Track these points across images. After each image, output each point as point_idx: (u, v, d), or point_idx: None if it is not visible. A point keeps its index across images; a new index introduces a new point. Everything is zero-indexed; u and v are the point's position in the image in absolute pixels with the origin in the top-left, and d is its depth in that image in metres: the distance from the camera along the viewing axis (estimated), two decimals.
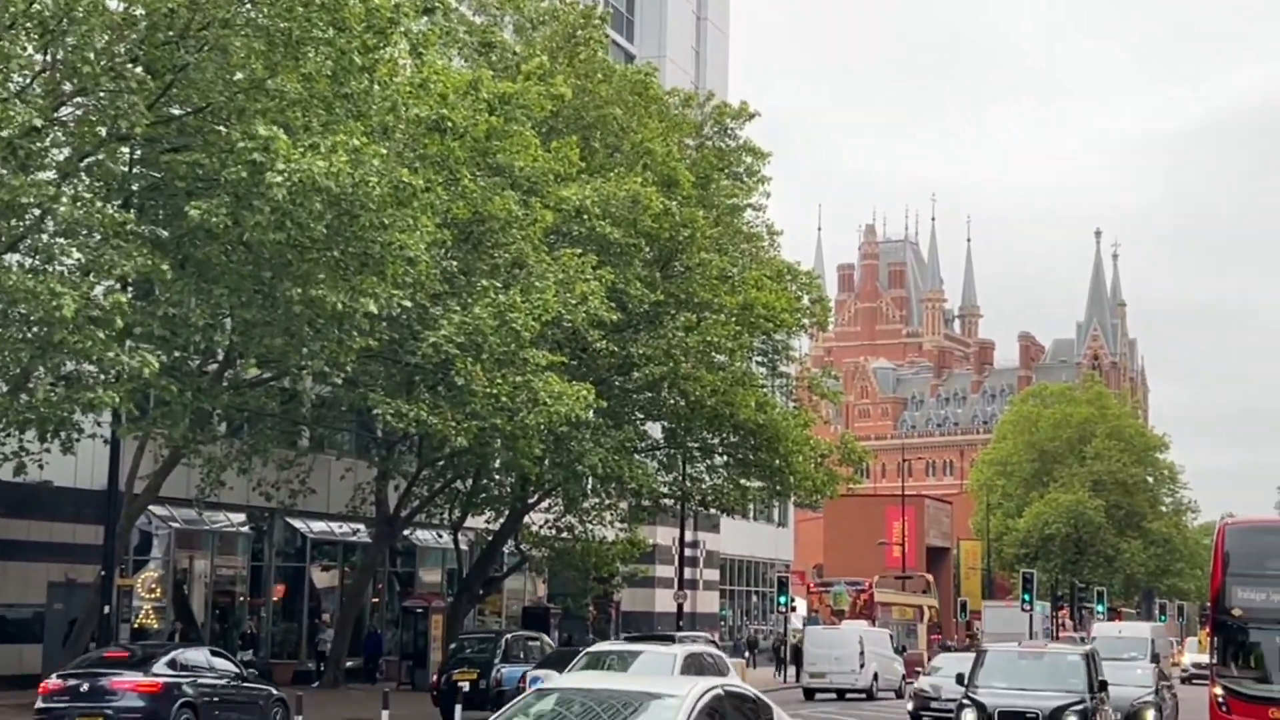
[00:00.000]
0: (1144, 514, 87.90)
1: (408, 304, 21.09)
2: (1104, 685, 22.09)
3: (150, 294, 19.57)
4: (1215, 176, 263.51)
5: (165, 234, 19.79)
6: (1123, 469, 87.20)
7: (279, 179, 17.43)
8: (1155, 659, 36.55)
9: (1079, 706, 20.48)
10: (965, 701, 20.22)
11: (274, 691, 21.51)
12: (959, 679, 21.36)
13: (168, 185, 19.64)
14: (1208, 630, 28.64)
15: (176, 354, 20.85)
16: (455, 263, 23.66)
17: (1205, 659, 51.09)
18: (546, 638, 29.80)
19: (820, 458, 34.13)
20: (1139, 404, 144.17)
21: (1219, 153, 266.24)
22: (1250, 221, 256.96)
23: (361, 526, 32.68)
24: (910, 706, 28.35)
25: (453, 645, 28.72)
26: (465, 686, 24.35)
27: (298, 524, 32.98)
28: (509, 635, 27.80)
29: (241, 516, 31.39)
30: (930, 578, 73.82)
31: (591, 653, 20.17)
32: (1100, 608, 67.37)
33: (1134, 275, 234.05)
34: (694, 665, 18.27)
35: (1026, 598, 54.84)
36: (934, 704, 26.93)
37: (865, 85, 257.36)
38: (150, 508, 26.54)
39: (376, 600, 35.95)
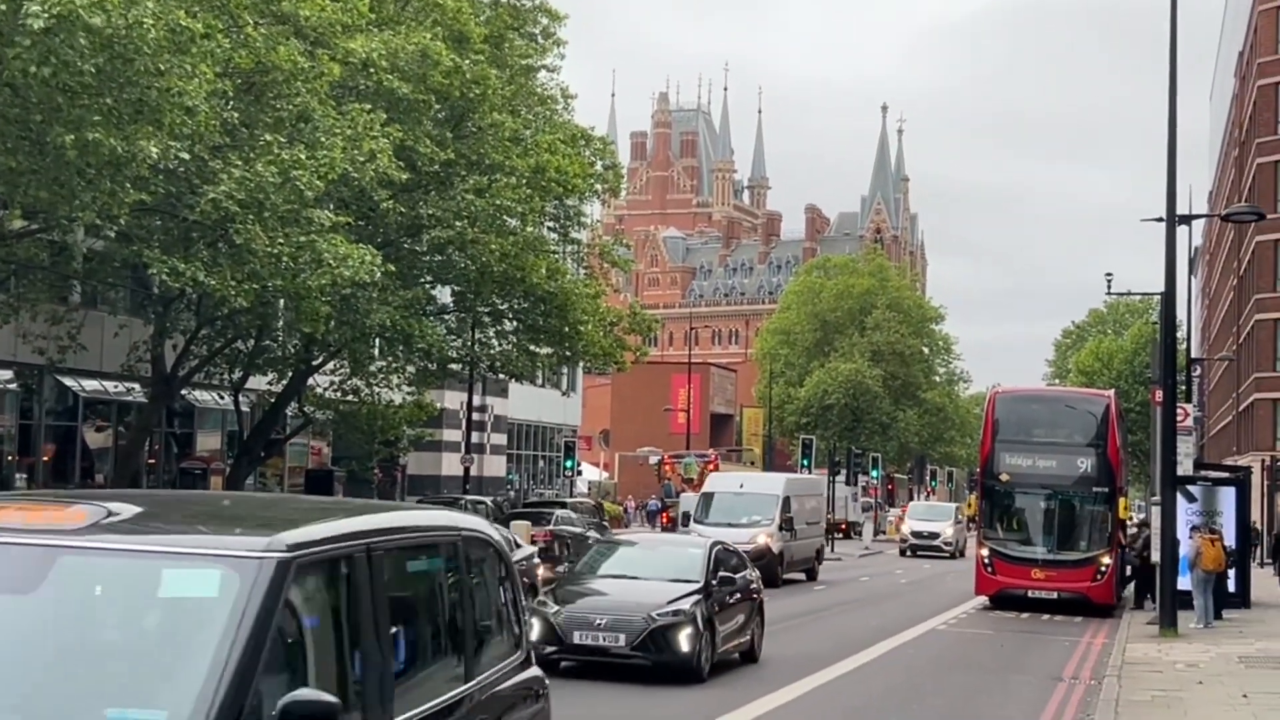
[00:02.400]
0: (919, 384, 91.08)
1: (185, 156, 20.23)
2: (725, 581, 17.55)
3: None
4: (1001, 68, 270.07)
5: None
6: (900, 340, 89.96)
7: (37, 7, 16.52)
8: (786, 527, 34.61)
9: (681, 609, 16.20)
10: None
11: None
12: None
13: None
14: (977, 495, 29.75)
15: None
16: (237, 114, 22.75)
17: (925, 527, 53.02)
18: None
19: (610, 325, 34.27)
20: (918, 277, 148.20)
21: (1007, 42, 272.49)
22: (1032, 111, 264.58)
23: (137, 386, 31.67)
24: None
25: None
26: None
27: (69, 382, 31.84)
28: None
29: (8, 374, 30.18)
30: (757, 451, 75.46)
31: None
32: (875, 473, 69.68)
33: (919, 158, 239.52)
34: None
35: (805, 463, 56.45)
36: None
37: None
38: None
39: (153, 461, 35.08)
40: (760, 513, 33.81)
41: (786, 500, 34.56)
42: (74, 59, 17.26)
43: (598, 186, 34.98)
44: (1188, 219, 29.84)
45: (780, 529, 33.62)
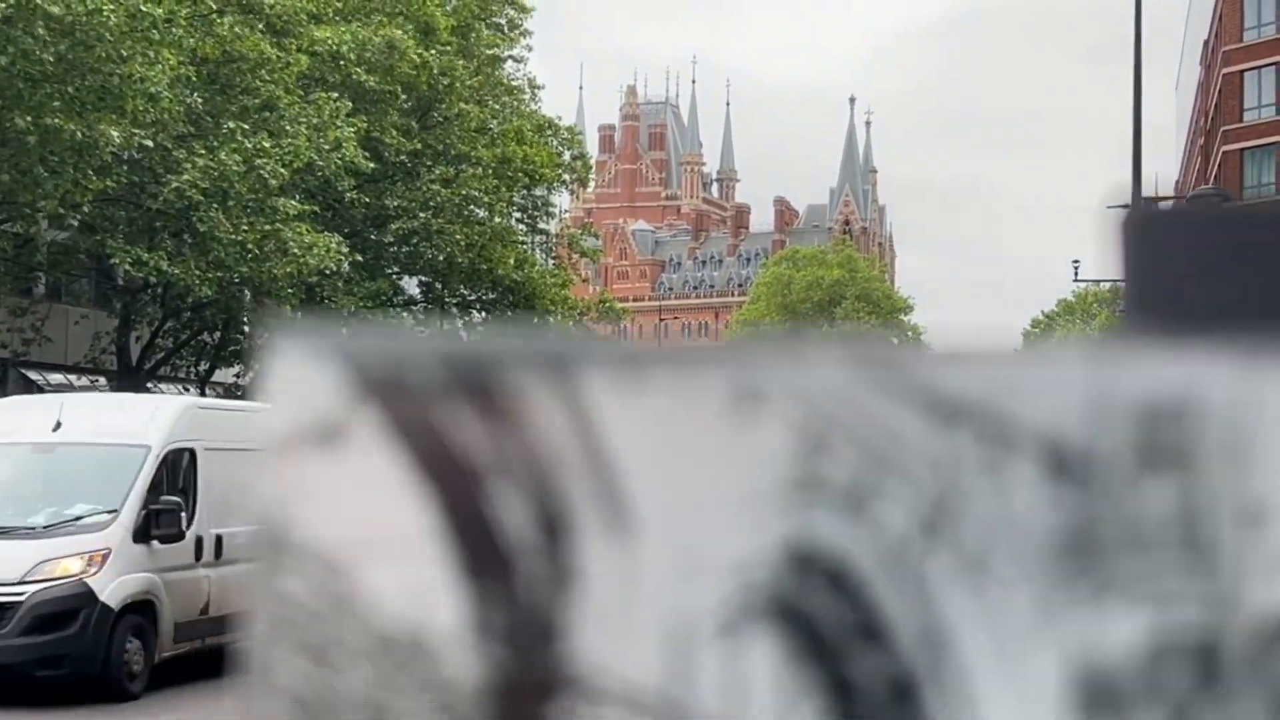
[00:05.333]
0: None
1: (149, 144, 20.03)
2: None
3: None
4: (966, 66, 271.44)
5: None
6: (870, 330, 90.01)
7: None
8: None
9: None
10: None
11: None
12: None
13: None
14: None
15: None
16: (201, 102, 22.53)
17: None
18: None
19: (579, 315, 34.20)
20: (886, 268, 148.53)
21: (971, 41, 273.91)
22: (997, 107, 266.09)
23: (102, 379, 31.35)
24: None
25: None
26: None
27: (33, 375, 31.49)
28: None
29: None
30: None
31: None
32: None
33: (887, 154, 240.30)
34: None
35: None
36: None
37: None
38: None
39: None
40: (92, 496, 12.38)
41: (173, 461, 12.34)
42: (34, 48, 17.05)
43: (565, 176, 34.88)
44: (1154, 200, 29.93)
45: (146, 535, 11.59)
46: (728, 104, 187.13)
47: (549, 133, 33.77)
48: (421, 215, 28.00)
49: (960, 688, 0.78)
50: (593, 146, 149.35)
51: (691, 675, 0.79)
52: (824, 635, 0.79)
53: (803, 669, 0.79)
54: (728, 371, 0.80)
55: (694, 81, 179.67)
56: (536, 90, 35.96)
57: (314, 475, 0.80)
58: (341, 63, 25.70)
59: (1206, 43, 66.29)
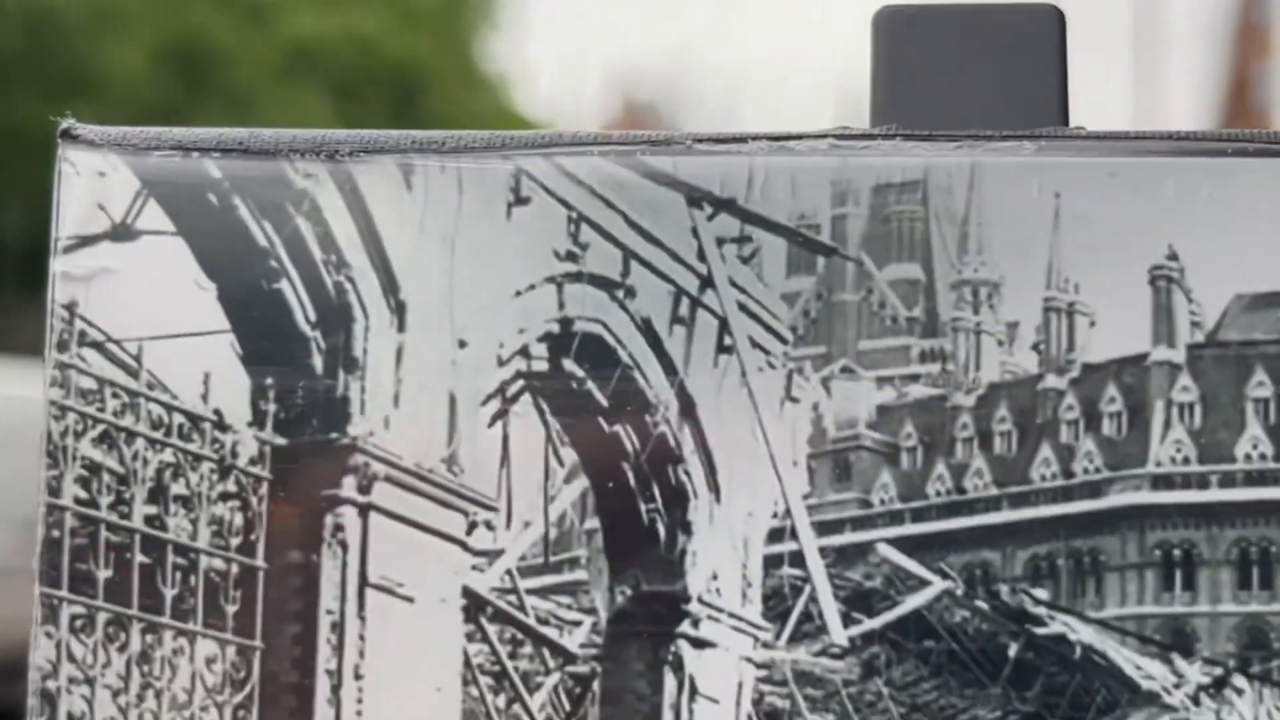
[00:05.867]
0: None
1: None
2: None
3: None
4: None
5: None
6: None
7: None
8: None
9: None
10: None
11: None
12: None
13: None
14: None
15: None
16: (176, 92, 22.51)
17: None
18: None
19: None
20: None
21: None
22: None
23: None
24: None
25: None
26: None
27: None
28: None
29: None
30: None
31: None
32: None
33: None
34: None
35: None
36: None
37: None
38: None
39: None
40: None
41: None
42: None
43: None
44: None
45: None
46: (721, 96, 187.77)
47: (525, 129, 33.82)
48: None
49: (706, 456, 0.82)
50: None
51: (462, 454, 0.83)
52: (586, 409, 0.83)
53: (563, 445, 0.83)
54: (498, 161, 0.84)
55: (686, 71, 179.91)
56: (523, 80, 36.07)
57: (102, 273, 0.84)
58: (321, 56, 25.65)
59: None
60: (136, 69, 19.21)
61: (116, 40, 18.79)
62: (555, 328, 0.83)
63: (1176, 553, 0.79)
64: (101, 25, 18.46)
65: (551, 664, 0.82)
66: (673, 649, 0.81)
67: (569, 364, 0.83)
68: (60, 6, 17.48)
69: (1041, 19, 0.86)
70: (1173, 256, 0.80)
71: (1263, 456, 0.78)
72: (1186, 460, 0.79)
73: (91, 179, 0.84)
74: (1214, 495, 0.79)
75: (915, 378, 0.81)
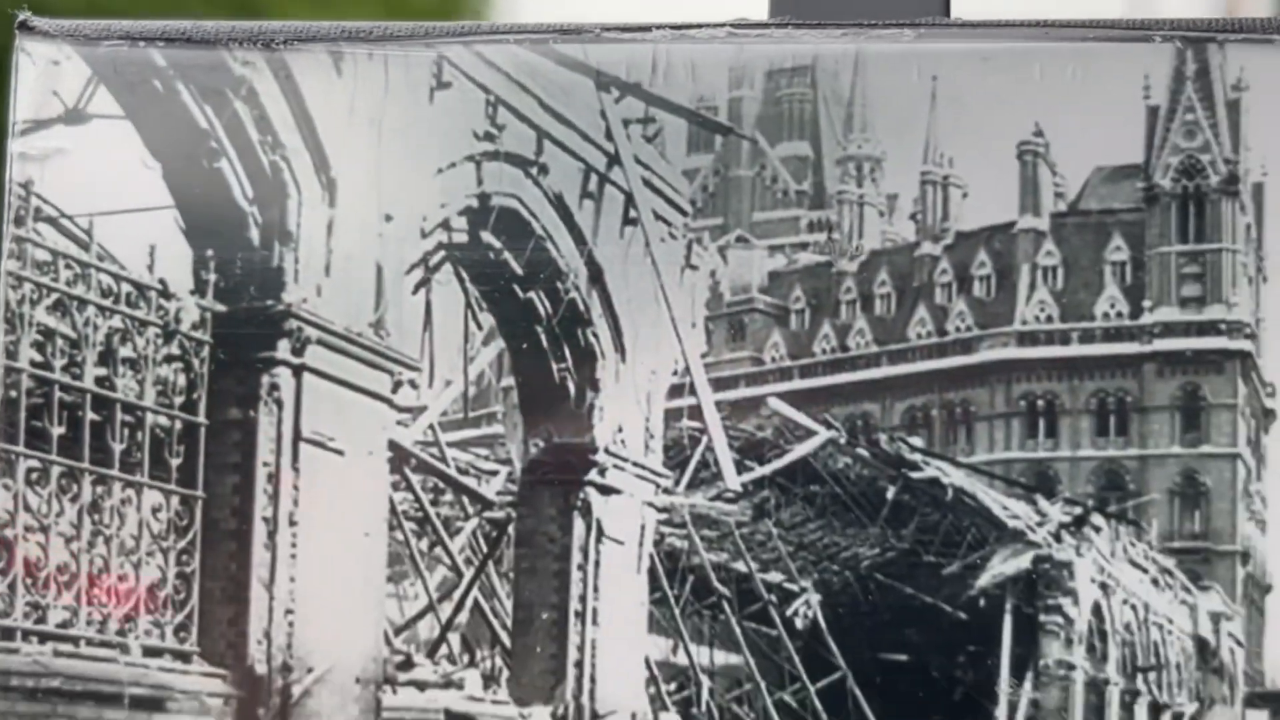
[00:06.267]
0: None
1: None
2: None
3: None
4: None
5: None
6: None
7: None
8: None
9: None
10: None
11: None
12: None
13: None
14: None
15: None
16: None
17: None
18: None
19: None
20: None
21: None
22: None
23: None
24: None
25: None
26: None
27: None
28: None
29: None
30: None
31: None
32: None
33: None
34: None
35: None
36: None
37: None
38: None
39: None
40: None
41: None
42: None
43: None
44: None
45: None
46: None
47: None
48: None
49: (612, 319, 0.89)
50: None
51: (388, 319, 0.90)
52: (502, 277, 0.90)
53: (481, 311, 0.90)
54: (421, 49, 0.90)
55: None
56: None
57: (56, 153, 0.91)
58: None
59: None
60: None
61: None
62: (474, 202, 0.90)
63: (1040, 403, 0.86)
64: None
65: (470, 510, 0.89)
66: (581, 495, 0.88)
67: (487, 236, 0.90)
68: (53, 2, 17.48)
69: None
70: (1039, 133, 0.87)
71: (1119, 315, 0.85)
72: (1050, 319, 0.86)
73: (46, 67, 0.91)
74: (1075, 350, 0.86)
75: (804, 246, 0.88)
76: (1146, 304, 0.85)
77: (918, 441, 0.85)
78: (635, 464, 0.87)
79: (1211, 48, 0.86)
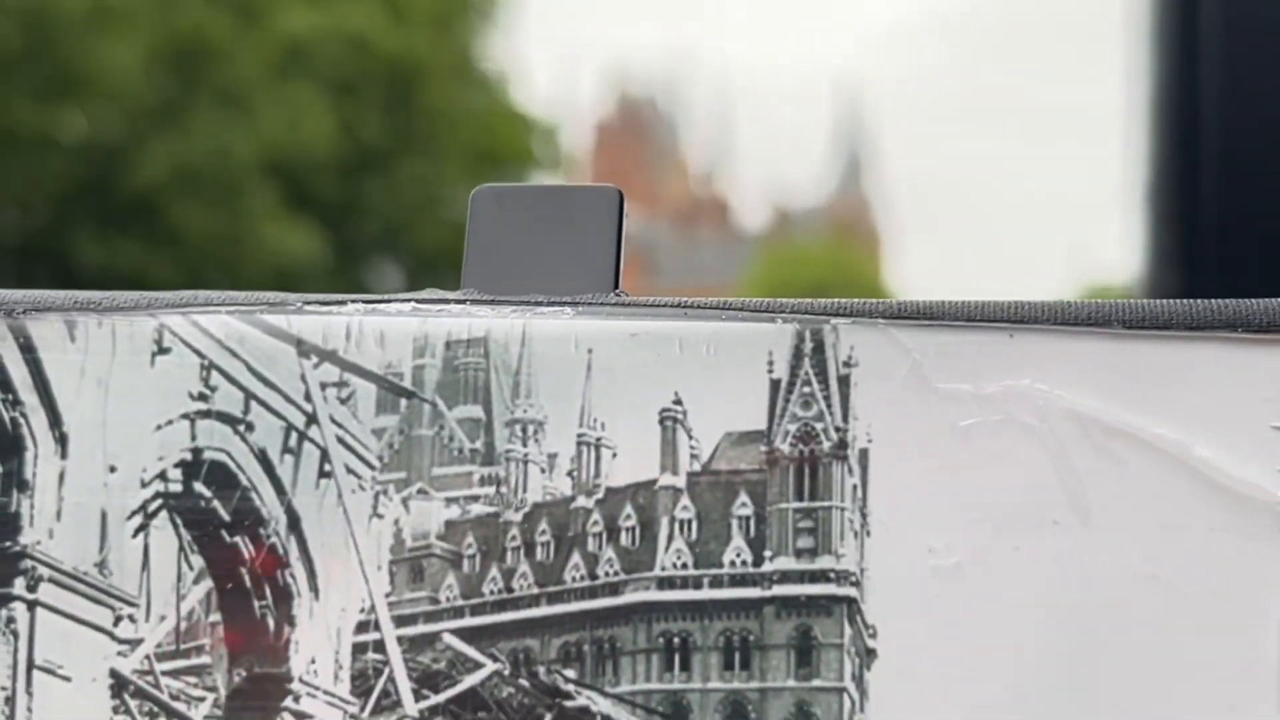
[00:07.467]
0: None
1: (115, 131, 20.26)
2: None
3: None
4: (962, 57, 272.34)
5: None
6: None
7: None
8: None
9: None
10: None
11: None
12: None
13: None
14: None
15: None
16: (170, 88, 22.71)
17: None
18: None
19: None
20: (880, 259, 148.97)
21: (965, 34, 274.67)
22: (997, 95, 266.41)
23: None
24: None
25: None
26: None
27: None
28: None
29: None
30: None
31: None
32: None
33: (883, 142, 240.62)
34: None
35: None
36: None
37: None
38: None
39: None
40: None
41: None
42: None
43: (543, 168, 35.06)
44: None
45: None
46: (717, 96, 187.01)
47: (525, 125, 33.96)
48: (399, 210, 28.20)
49: (308, 562, 1.00)
50: (576, 138, 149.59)
51: (111, 560, 1.01)
52: (211, 523, 1.02)
53: (193, 553, 1.02)
54: (144, 318, 1.02)
55: (681, 75, 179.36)
56: (518, 79, 36.22)
57: None
58: (313, 54, 25.85)
59: None
60: (133, 67, 19.39)
61: (112, 38, 18.96)
62: (189, 455, 1.02)
63: (676, 640, 0.98)
64: (97, 23, 18.63)
65: None
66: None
67: (199, 486, 1.02)
68: (56, 4, 17.64)
69: (605, 198, 1.05)
70: (678, 401, 0.98)
71: (744, 563, 0.96)
72: (685, 565, 0.97)
73: None
74: (706, 594, 0.97)
75: (476, 498, 1.00)
76: (768, 554, 0.96)
77: (571, 673, 0.96)
78: (326, 692, 0.99)
79: (826, 328, 0.97)
